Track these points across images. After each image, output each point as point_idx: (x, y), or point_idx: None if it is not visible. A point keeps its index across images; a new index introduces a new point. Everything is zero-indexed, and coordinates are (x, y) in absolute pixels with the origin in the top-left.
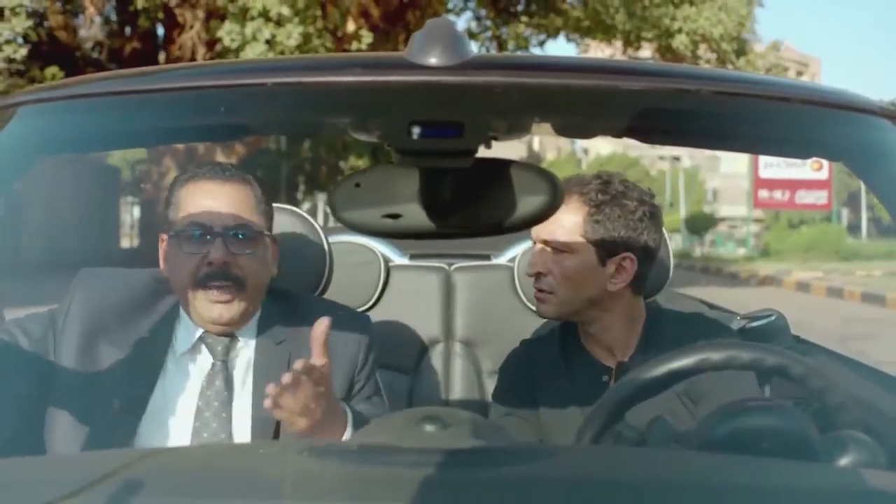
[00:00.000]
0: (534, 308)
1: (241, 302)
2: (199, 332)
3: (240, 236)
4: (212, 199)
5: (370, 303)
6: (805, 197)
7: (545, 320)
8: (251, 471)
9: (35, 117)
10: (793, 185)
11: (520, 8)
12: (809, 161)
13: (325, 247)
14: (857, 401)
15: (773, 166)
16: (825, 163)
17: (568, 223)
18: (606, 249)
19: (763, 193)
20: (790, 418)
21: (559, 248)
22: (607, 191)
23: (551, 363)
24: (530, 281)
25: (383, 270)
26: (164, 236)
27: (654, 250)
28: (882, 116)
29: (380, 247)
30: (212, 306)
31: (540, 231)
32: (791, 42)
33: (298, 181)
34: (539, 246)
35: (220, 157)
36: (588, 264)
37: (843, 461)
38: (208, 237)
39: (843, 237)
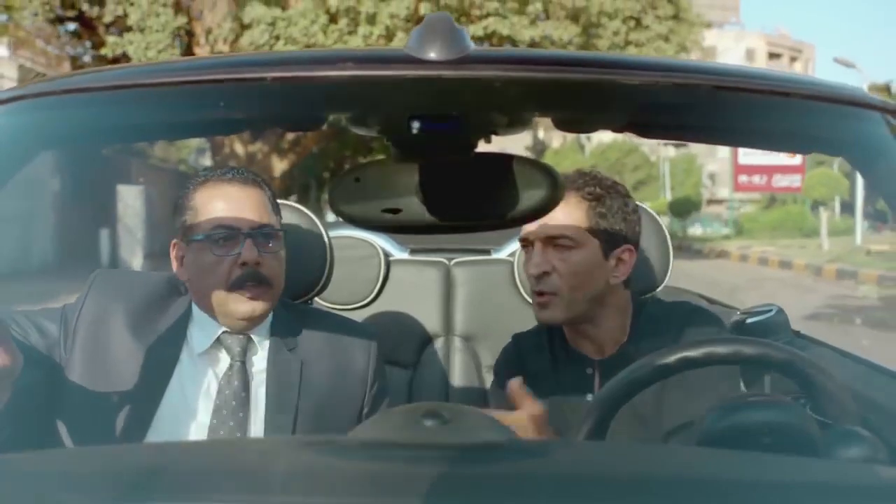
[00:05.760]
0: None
1: (269, 299)
2: (219, 331)
3: (265, 236)
4: (234, 200)
5: (370, 297)
6: (781, 181)
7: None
8: (250, 466)
9: (34, 111)
10: (769, 170)
11: None
12: None
13: (326, 241)
14: (854, 394)
15: (752, 153)
16: None
17: (571, 219)
18: (610, 242)
19: (743, 178)
20: (790, 413)
21: (565, 245)
22: (601, 184)
23: (539, 357)
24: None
25: (383, 265)
26: (177, 241)
27: (639, 241)
28: (882, 111)
29: (380, 241)
30: (245, 303)
31: (540, 230)
32: (785, 28)
33: (324, 178)
34: (540, 245)
35: (276, 163)
36: (594, 259)
37: (844, 456)
38: (237, 239)
39: (805, 217)
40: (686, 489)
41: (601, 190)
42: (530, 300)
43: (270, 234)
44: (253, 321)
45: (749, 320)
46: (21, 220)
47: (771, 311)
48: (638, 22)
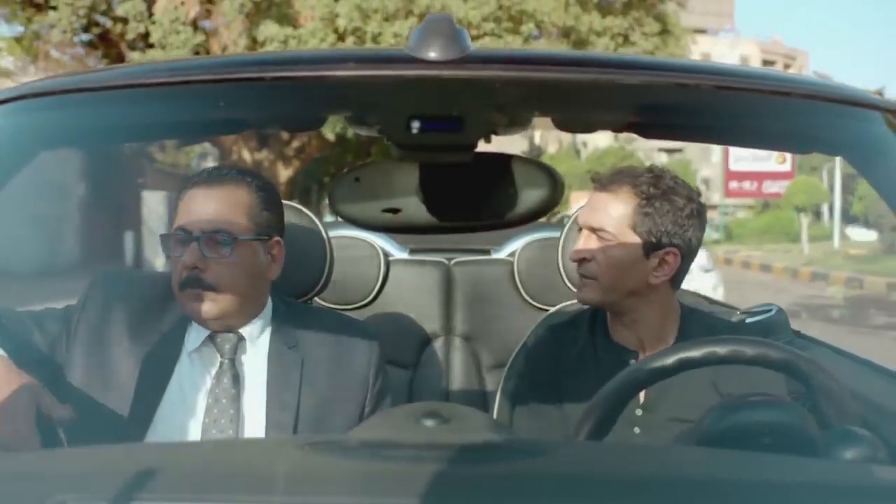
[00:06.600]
0: (533, 303)
1: (219, 302)
2: (209, 331)
3: (217, 240)
4: (198, 202)
5: (370, 297)
6: (771, 186)
7: (547, 313)
8: (250, 466)
9: (35, 111)
10: (759, 176)
11: None
12: (774, 154)
13: (326, 241)
14: (854, 394)
15: (743, 160)
16: (788, 156)
17: (617, 213)
18: (652, 242)
19: (733, 184)
20: (790, 414)
21: (606, 237)
22: (659, 185)
23: (579, 347)
24: (530, 275)
25: (383, 265)
26: None
27: (696, 248)
28: (882, 111)
29: (380, 241)
30: (190, 304)
31: (588, 218)
32: (779, 35)
33: (324, 183)
34: (586, 232)
35: (281, 170)
36: (633, 255)
37: (844, 456)
38: (186, 241)
39: (793, 222)
40: (686, 489)
41: (655, 190)
42: (530, 300)
43: (225, 239)
44: (212, 320)
45: (749, 320)
46: (50, 222)
47: (771, 310)
48: (626, 38)
